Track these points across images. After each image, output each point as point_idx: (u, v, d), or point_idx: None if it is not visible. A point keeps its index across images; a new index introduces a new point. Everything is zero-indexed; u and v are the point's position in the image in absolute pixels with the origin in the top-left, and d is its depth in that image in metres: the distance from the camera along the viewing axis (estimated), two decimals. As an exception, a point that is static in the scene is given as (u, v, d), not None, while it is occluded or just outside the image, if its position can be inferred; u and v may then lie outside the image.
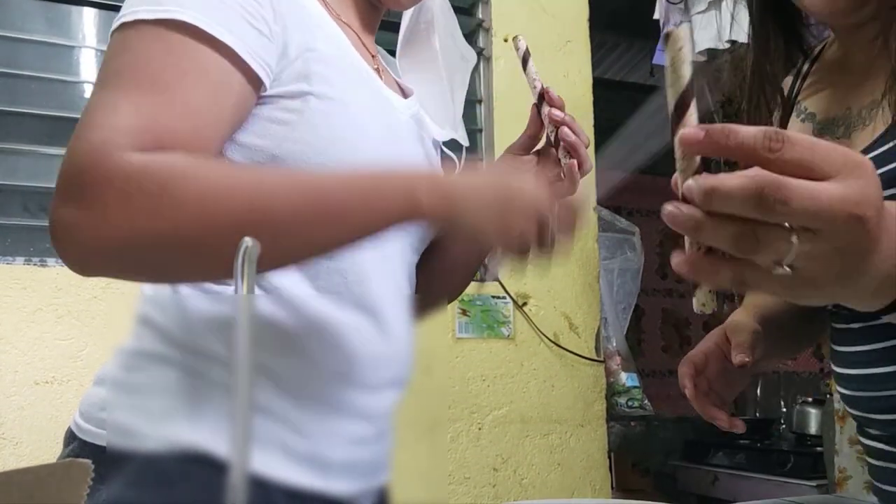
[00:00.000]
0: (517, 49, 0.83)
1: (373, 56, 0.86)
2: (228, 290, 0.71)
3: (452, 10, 0.99)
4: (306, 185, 0.64)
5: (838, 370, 0.90)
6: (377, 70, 0.84)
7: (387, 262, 0.79)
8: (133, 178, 0.58)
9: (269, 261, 0.62)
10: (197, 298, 0.72)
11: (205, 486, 0.65)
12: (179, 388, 0.70)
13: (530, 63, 0.82)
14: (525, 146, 0.88)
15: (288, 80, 0.70)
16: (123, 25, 0.67)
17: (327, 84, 0.72)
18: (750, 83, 0.92)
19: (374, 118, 0.77)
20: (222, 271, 0.62)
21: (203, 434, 0.68)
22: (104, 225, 0.58)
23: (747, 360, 0.90)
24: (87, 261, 0.62)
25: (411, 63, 0.94)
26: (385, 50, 0.97)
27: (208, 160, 0.64)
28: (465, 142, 0.89)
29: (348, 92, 0.74)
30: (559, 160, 0.82)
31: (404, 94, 0.91)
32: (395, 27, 0.97)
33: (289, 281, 0.71)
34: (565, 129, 0.81)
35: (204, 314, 0.72)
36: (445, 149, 1.00)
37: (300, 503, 0.71)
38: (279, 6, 0.70)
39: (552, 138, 0.82)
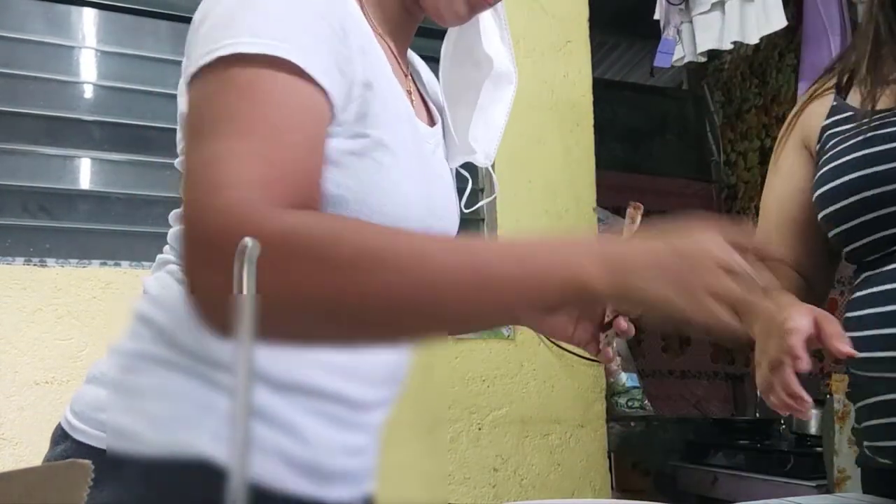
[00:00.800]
0: (633, 220, 0.77)
1: (405, 76, 0.85)
2: None
3: (505, 21, 0.95)
4: (462, 251, 0.59)
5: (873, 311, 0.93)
6: (409, 93, 0.83)
7: None
8: (288, 237, 0.56)
9: (425, 326, 0.60)
10: None
11: (206, 496, 0.64)
12: (182, 392, 0.69)
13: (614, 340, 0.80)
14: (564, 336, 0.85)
15: (346, 120, 0.69)
16: (220, 60, 0.62)
17: (378, 128, 0.71)
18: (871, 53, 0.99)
19: (410, 159, 0.75)
20: (383, 335, 0.61)
21: (206, 440, 0.68)
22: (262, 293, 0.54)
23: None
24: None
25: (449, 73, 0.92)
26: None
27: (356, 221, 0.63)
28: (486, 162, 0.84)
29: (394, 131, 0.73)
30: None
31: (430, 115, 0.89)
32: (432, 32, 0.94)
33: None
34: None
35: None
36: (461, 170, 0.98)
37: None
38: (351, 39, 0.68)
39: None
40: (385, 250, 0.57)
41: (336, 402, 0.74)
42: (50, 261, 1.77)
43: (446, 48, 0.94)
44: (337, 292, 0.55)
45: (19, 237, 1.81)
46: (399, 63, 0.84)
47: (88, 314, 1.75)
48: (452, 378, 2.08)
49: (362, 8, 0.78)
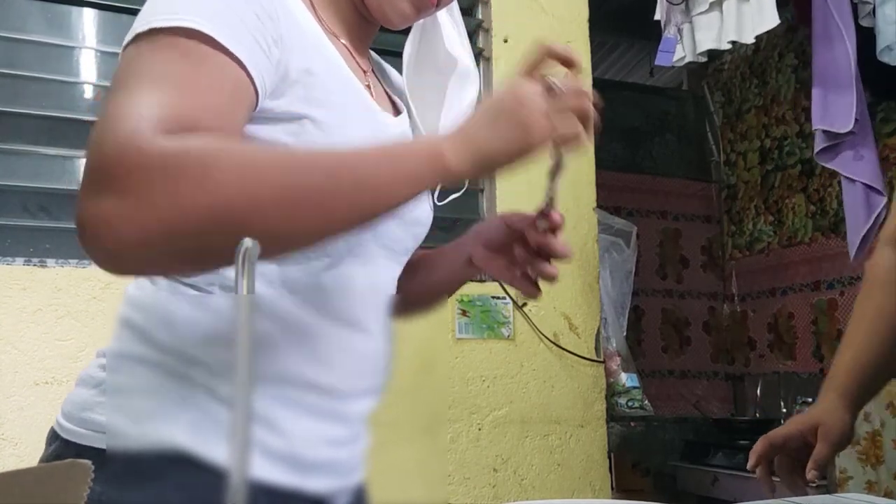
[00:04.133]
0: (554, 158, 0.78)
1: (364, 72, 0.86)
2: (209, 295, 0.73)
3: (462, 22, 0.98)
4: (338, 156, 0.64)
5: None
6: (368, 87, 0.85)
7: (369, 278, 0.80)
8: (171, 159, 0.57)
9: (313, 230, 0.62)
10: (176, 301, 0.74)
11: (184, 484, 0.68)
12: (159, 388, 0.72)
13: (560, 174, 0.80)
14: (517, 225, 0.87)
15: (287, 104, 0.71)
16: (138, 37, 0.66)
17: (323, 108, 0.73)
18: None
19: (364, 141, 0.78)
20: (269, 245, 0.60)
21: (182, 433, 0.70)
22: (148, 209, 0.56)
23: (815, 482, 1.05)
24: (129, 253, 0.58)
25: (415, 72, 0.94)
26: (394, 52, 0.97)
27: (238, 142, 0.65)
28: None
29: (342, 115, 0.75)
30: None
31: (396, 108, 0.91)
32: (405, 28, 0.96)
33: (270, 293, 0.73)
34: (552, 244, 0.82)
35: (183, 317, 0.73)
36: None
37: (277, 500, 0.72)
38: (280, 27, 0.71)
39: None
40: (267, 161, 0.61)
41: (312, 391, 0.75)
42: (50, 261, 1.77)
43: (409, 52, 0.96)
44: (222, 202, 0.57)
45: (19, 237, 1.81)
46: (356, 61, 0.85)
47: (88, 314, 1.75)
48: (452, 378, 2.08)
49: (314, 8, 0.81)
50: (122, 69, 0.65)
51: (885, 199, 2.20)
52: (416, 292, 0.95)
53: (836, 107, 2.22)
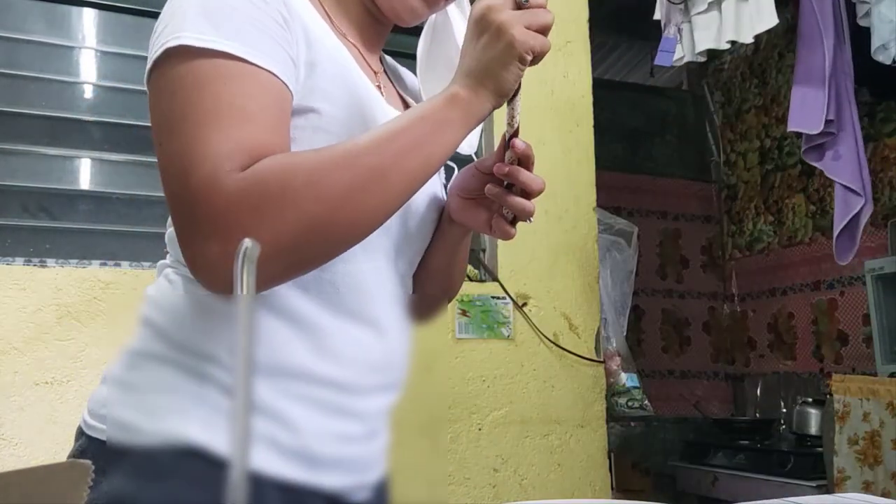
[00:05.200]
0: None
1: (376, 73, 0.87)
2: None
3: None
4: (377, 135, 0.70)
5: None
6: (379, 87, 0.85)
7: (379, 273, 0.80)
8: (251, 190, 0.63)
9: (381, 208, 0.69)
10: (191, 300, 0.75)
11: (197, 479, 0.69)
12: (174, 385, 0.73)
13: (518, 97, 0.77)
14: (490, 168, 0.83)
15: (297, 98, 0.73)
16: (169, 54, 0.68)
17: (327, 101, 0.75)
18: None
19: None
20: (352, 232, 0.69)
21: (196, 429, 0.71)
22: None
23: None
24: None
25: (428, 68, 0.95)
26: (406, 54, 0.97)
27: (294, 152, 0.70)
28: (469, 150, 0.85)
29: (347, 110, 0.76)
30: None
31: (407, 108, 0.91)
32: (418, 30, 0.96)
33: (279, 289, 0.73)
34: (520, 174, 0.79)
35: (197, 315, 0.74)
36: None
37: (289, 496, 0.72)
38: (292, 25, 0.73)
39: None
40: (328, 159, 0.67)
41: (322, 387, 0.75)
42: (50, 261, 1.77)
43: (422, 50, 0.97)
44: (307, 210, 0.64)
45: (19, 237, 1.81)
46: (367, 62, 0.86)
47: (88, 314, 1.75)
48: (452, 378, 2.08)
49: (323, 9, 0.82)
50: (172, 98, 0.68)
51: (862, 200, 2.20)
52: (425, 276, 0.93)
53: (809, 108, 2.24)
